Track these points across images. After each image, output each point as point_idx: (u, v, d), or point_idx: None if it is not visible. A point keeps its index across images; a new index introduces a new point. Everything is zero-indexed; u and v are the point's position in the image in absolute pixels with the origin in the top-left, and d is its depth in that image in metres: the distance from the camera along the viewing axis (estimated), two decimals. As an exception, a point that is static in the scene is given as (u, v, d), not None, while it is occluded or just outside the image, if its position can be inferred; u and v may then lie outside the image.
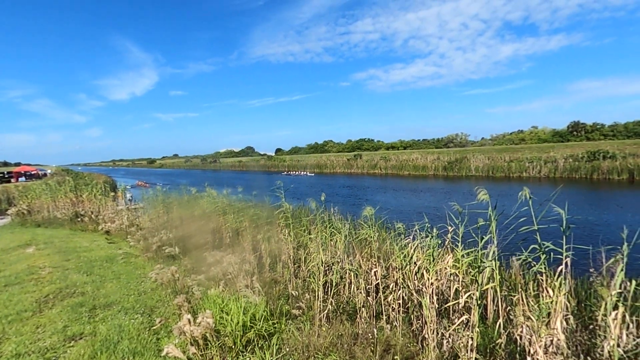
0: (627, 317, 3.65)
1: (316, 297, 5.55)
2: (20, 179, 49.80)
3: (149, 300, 6.81)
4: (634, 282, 3.60)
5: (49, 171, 63.82)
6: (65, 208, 18.95)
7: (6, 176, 50.46)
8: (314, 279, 5.83)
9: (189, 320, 4.32)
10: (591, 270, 4.57)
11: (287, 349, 4.57)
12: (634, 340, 3.59)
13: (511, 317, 4.40)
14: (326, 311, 5.46)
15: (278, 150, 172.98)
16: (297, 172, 70.10)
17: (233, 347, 4.49)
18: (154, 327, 5.49)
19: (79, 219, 17.10)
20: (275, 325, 5.11)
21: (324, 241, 6.57)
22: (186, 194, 13.77)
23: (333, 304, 5.68)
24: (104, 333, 5.35)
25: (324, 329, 5.01)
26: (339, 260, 6.46)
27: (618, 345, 3.47)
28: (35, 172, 55.62)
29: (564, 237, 3.81)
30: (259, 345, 4.61)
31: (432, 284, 4.50)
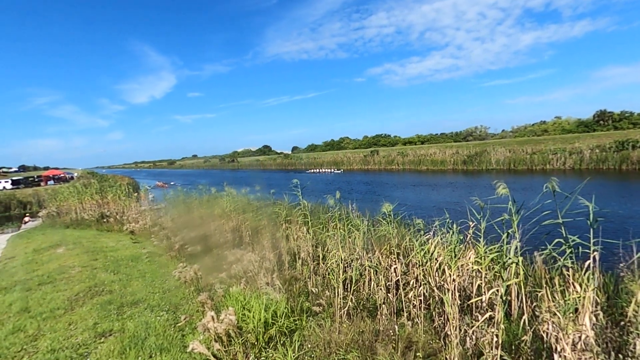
0: (661, 313, 3.51)
1: (336, 294, 5.57)
2: (49, 182, 51.97)
3: (173, 297, 7.00)
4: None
5: (75, 174, 66.36)
6: (92, 209, 19.66)
7: (36, 180, 52.75)
8: (334, 275, 5.85)
9: (212, 317, 4.42)
10: (621, 264, 4.40)
11: (309, 346, 4.61)
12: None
13: (537, 313, 4.29)
14: (346, 308, 5.47)
15: (294, 149, 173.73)
16: (322, 170, 68.13)
17: (255, 343, 4.57)
18: (179, 324, 5.64)
19: (104, 220, 17.72)
20: (296, 322, 5.17)
21: (343, 238, 6.57)
22: (206, 193, 14.03)
23: (353, 300, 5.68)
24: (131, 330, 5.54)
25: (344, 325, 5.03)
26: (358, 257, 6.45)
27: (652, 343, 3.34)
28: (62, 175, 57.93)
29: (592, 230, 3.68)
30: (281, 341, 4.67)
31: (453, 280, 4.44)
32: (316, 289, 6.56)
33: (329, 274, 6.47)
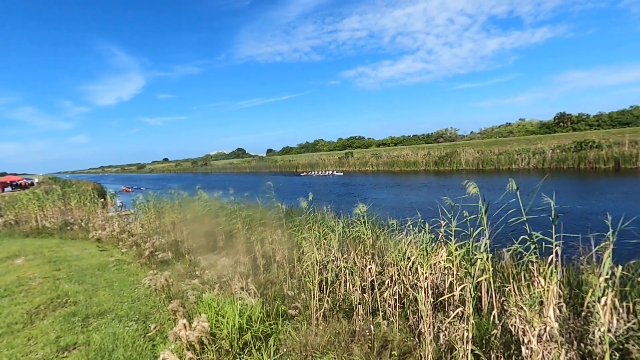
0: (617, 303, 3.72)
1: (312, 297, 5.55)
2: (6, 189, 48.78)
3: (143, 306, 6.73)
4: (620, 267, 3.67)
5: (35, 180, 62.63)
6: (54, 217, 18.64)
7: (-9, 187, 49.38)
8: (309, 278, 5.83)
9: (184, 325, 4.28)
10: (581, 257, 4.65)
11: (285, 350, 4.56)
12: (625, 325, 3.67)
13: (505, 307, 4.46)
14: (322, 310, 5.46)
15: (269, 151, 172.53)
16: (319, 172, 60.73)
17: (230, 350, 4.47)
18: (149, 334, 5.43)
19: (68, 228, 16.83)
20: (272, 326, 5.10)
21: (318, 240, 6.57)
22: (177, 198, 13.64)
23: (329, 302, 5.68)
24: (98, 342, 5.28)
25: (320, 327, 5.02)
26: (333, 258, 6.46)
27: (609, 331, 3.54)
28: (21, 181, 54.52)
29: (553, 226, 3.86)
30: (256, 347, 4.59)
31: (426, 278, 4.53)
32: (292, 292, 6.51)
33: (304, 277, 6.44)
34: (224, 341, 4.47)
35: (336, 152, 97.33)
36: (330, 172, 59.95)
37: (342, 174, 57.05)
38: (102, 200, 21.85)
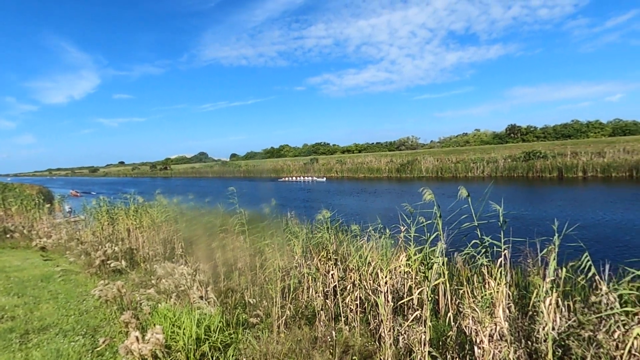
0: (560, 302, 4.01)
1: (274, 304, 5.47)
2: None
3: (92, 319, 6.30)
4: (564, 269, 3.96)
5: (-30, 183, 56.94)
6: (-9, 224, 16.99)
7: None
8: (272, 285, 5.74)
9: (136, 337, 4.04)
10: (529, 260, 4.96)
11: (244, 359, 4.45)
12: (566, 322, 3.94)
13: (461, 309, 4.65)
14: (284, 317, 5.40)
15: (233, 156, 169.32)
16: (300, 177, 57.76)
17: (186, 362, 4.28)
18: (98, 349, 5.08)
19: (8, 236, 15.41)
20: (232, 336, 4.96)
21: (281, 246, 6.50)
22: (133, 203, 12.96)
23: (291, 309, 5.63)
24: (38, 360, 4.85)
25: (282, 335, 4.95)
26: (296, 264, 6.42)
27: (552, 329, 3.79)
28: (-47, 184, 49.34)
29: (502, 231, 4.10)
30: (214, 358, 4.43)
31: (386, 283, 4.62)
32: (254, 300, 6.38)
33: (267, 284, 6.34)
34: (179, 353, 4.28)
35: (301, 158, 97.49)
36: (312, 178, 56.67)
37: (324, 179, 54.73)
38: (49, 205, 20.26)
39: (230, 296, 6.67)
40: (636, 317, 3.13)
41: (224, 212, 9.44)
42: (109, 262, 9.30)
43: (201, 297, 5.98)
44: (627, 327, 3.20)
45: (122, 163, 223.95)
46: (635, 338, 3.07)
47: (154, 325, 4.54)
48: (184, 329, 4.49)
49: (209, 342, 4.52)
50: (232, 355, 4.45)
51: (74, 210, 21.89)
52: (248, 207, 8.02)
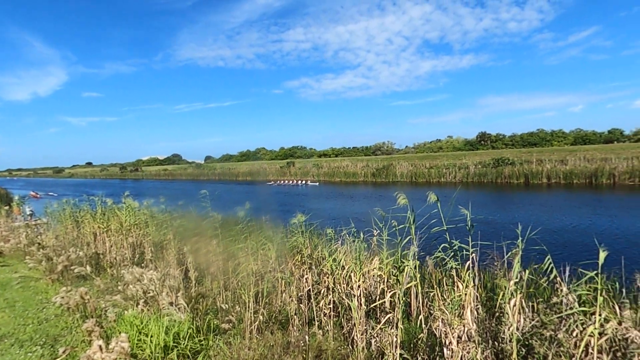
0: (524, 303, 4.17)
1: (247, 309, 5.38)
2: None
3: (52, 328, 5.97)
4: (527, 271, 4.14)
5: None
6: (-59, 227, 15.80)
7: None
8: (245, 290, 5.65)
9: (100, 346, 3.86)
10: (495, 263, 5.14)
11: (215, 367, 4.34)
12: (530, 323, 4.11)
13: (432, 312, 4.74)
14: (257, 322, 5.32)
15: (208, 158, 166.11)
16: (292, 181, 54.66)
17: (153, 371, 4.13)
18: (58, 359, 4.81)
19: (-40, 240, 14.37)
20: (202, 343, 4.83)
21: (255, 250, 6.42)
22: (101, 206, 12.42)
23: (265, 314, 5.55)
24: (-10, 373, 4.54)
25: (254, 341, 4.87)
26: (271, 269, 6.35)
27: (517, 329, 3.94)
28: None
29: (470, 235, 4.23)
30: (184, 365, 4.30)
31: (359, 286, 4.66)
32: (226, 305, 6.25)
33: (239, 289, 6.23)
34: (146, 362, 4.12)
35: (278, 161, 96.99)
36: (304, 181, 53.76)
37: (317, 183, 52.14)
38: (7, 207, 19.09)
39: (202, 302, 6.50)
40: (593, 316, 3.30)
41: (196, 216, 9.22)
42: (72, 267, 8.85)
43: (171, 303, 5.79)
44: (584, 325, 3.37)
45: (89, 164, 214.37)
46: (590, 335, 3.24)
47: (120, 333, 4.36)
48: (152, 336, 4.33)
49: (178, 350, 4.39)
50: (202, 363, 4.33)
51: (34, 213, 20.72)
52: (225, 211, 7.89)
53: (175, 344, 4.44)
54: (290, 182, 54.88)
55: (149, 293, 6.37)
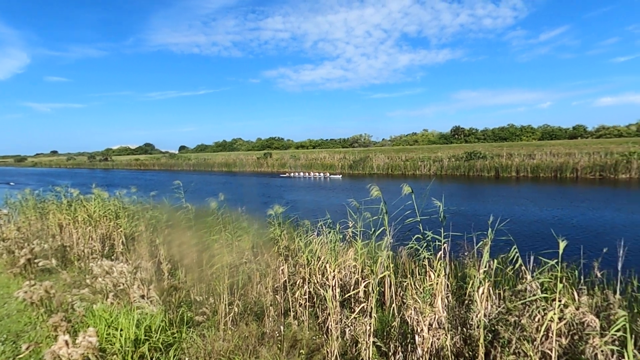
0: (491, 291, 4.36)
1: (221, 301, 5.33)
2: None
3: (14, 324, 5.71)
4: (495, 261, 4.31)
5: None
6: None
7: None
8: (219, 281, 5.59)
9: (66, 341, 3.72)
10: (466, 253, 5.32)
11: (187, 359, 4.29)
12: (497, 309, 4.30)
13: (405, 301, 4.87)
14: (232, 314, 5.29)
15: (182, 148, 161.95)
16: (308, 174, 48.44)
17: (124, 365, 4.03)
18: (21, 356, 4.61)
19: None
20: (175, 335, 4.75)
21: (230, 242, 6.35)
22: (67, 197, 11.87)
23: (240, 306, 5.52)
24: (-55, 372, 4.29)
25: (229, 332, 4.84)
26: (246, 260, 6.31)
27: (485, 316, 4.11)
28: None
29: (442, 226, 4.35)
30: (155, 358, 4.23)
31: (334, 277, 4.71)
32: (200, 297, 6.17)
33: (214, 280, 6.16)
34: (115, 356, 4.02)
35: (255, 152, 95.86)
36: (323, 174, 47.38)
37: (340, 176, 46.37)
38: (-37, 198, 17.88)
39: (175, 294, 6.38)
40: (554, 302, 3.49)
41: (170, 207, 8.99)
42: (36, 260, 8.45)
43: (142, 296, 5.65)
44: (545, 311, 3.56)
45: (55, 152, 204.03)
46: (550, 320, 3.43)
47: (87, 327, 4.22)
48: (122, 330, 4.22)
49: (150, 343, 4.30)
50: (175, 356, 4.27)
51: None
52: (200, 203, 7.72)
53: (146, 338, 4.35)
54: (307, 174, 48.54)
55: (120, 286, 6.19)
